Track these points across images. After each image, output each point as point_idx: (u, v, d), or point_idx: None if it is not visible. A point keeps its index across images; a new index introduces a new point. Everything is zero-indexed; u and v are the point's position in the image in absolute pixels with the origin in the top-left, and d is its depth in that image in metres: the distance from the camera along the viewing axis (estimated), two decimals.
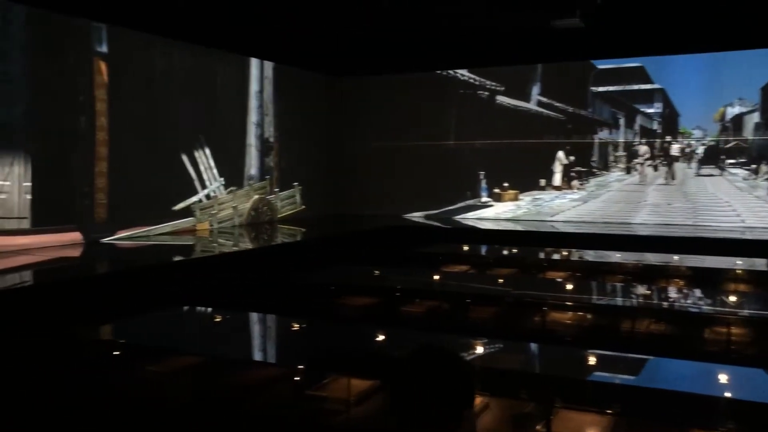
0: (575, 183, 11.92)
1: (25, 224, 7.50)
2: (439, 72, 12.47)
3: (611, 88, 11.68)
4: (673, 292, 6.67)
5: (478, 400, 3.19)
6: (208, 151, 10.02)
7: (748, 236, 9.50)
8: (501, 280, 6.97)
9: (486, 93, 12.33)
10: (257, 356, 4.53)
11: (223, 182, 10.34)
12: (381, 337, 4.61)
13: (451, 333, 4.87)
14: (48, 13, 7.70)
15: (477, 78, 12.35)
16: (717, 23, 9.63)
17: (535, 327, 5.35)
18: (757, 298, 6.49)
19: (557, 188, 11.99)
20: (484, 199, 12.39)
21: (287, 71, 11.73)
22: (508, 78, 12.14)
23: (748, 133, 10.80)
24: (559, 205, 11.90)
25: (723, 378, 3.74)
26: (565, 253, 8.60)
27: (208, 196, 10.07)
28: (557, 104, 11.92)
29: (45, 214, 7.70)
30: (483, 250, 9.50)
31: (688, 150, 11.24)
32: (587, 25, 9.06)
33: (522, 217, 12.02)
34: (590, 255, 8.48)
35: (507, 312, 5.54)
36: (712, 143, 11.04)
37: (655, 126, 11.51)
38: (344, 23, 10.12)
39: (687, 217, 10.97)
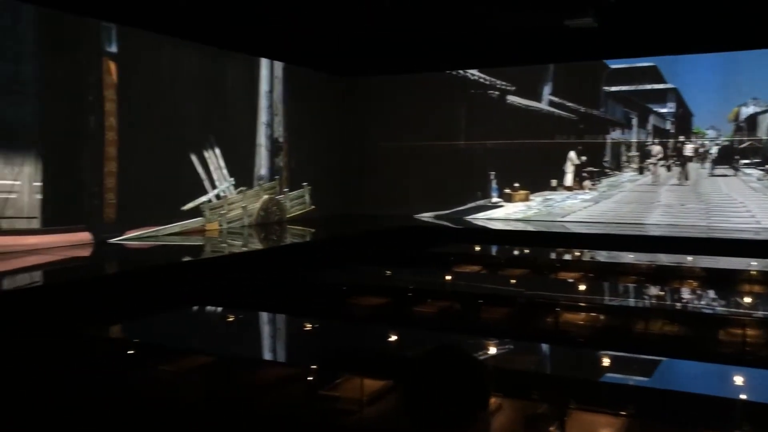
0: (587, 183, 11.85)
1: (35, 224, 7.51)
2: (449, 72, 12.44)
3: (624, 88, 11.61)
4: (686, 293, 6.61)
5: (492, 401, 3.17)
6: (218, 150, 10.03)
7: (763, 236, 9.43)
8: (513, 281, 6.92)
9: (497, 93, 12.28)
10: (269, 356, 4.52)
11: (234, 182, 10.35)
12: (393, 337, 4.58)
13: (463, 333, 4.85)
14: (58, 13, 7.72)
15: (488, 78, 12.30)
16: (731, 22, 9.56)
17: (548, 328, 5.33)
18: None
19: (569, 188, 11.93)
20: (495, 199, 12.34)
21: (297, 71, 11.73)
22: (519, 78, 12.09)
23: (763, 133, 10.71)
24: (571, 206, 11.84)
25: (737, 380, 3.69)
26: (577, 253, 8.55)
27: (218, 196, 10.08)
28: (569, 104, 11.86)
29: (55, 214, 7.71)
30: (494, 250, 9.45)
31: (701, 150, 11.15)
32: (600, 24, 9.02)
33: (533, 217, 11.97)
34: (602, 255, 8.42)
35: (519, 312, 5.51)
36: (726, 143, 10.95)
37: (669, 126, 11.43)
38: (354, 23, 10.11)
39: (700, 217, 10.89)
